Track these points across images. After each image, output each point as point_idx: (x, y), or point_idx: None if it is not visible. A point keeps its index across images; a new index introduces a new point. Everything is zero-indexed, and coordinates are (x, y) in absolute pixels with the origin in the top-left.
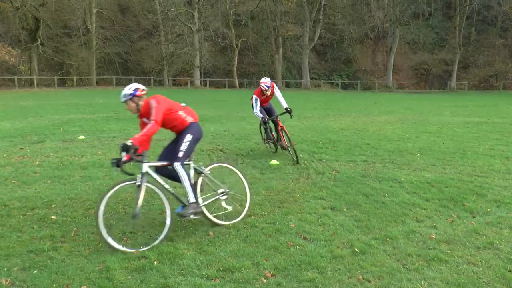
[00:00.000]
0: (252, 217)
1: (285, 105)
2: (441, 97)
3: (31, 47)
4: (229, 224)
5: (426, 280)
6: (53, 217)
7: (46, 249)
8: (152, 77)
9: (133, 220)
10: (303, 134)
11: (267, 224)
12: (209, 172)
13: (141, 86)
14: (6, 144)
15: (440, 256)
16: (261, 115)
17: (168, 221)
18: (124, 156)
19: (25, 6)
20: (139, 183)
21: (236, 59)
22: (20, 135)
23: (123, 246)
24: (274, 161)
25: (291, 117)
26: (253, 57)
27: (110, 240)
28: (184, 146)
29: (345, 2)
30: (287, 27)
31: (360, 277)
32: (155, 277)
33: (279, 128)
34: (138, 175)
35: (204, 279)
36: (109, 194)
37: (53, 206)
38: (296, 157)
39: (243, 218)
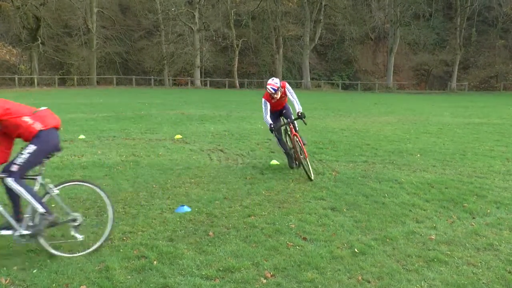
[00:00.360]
0: (252, 217)
1: (298, 108)
2: (442, 97)
3: (32, 46)
4: (73, 256)
5: (425, 281)
6: None
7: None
8: (152, 76)
9: None
10: (303, 134)
11: (267, 224)
12: (57, 192)
13: None
14: None
15: (440, 257)
16: (269, 122)
17: None
18: None
19: (26, 5)
20: None
21: (237, 59)
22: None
23: None
24: (274, 161)
25: (305, 124)
26: (253, 57)
27: None
28: (21, 159)
29: (345, 2)
30: (288, 27)
31: (360, 277)
32: (154, 277)
33: (292, 136)
34: None
35: (204, 279)
36: None
37: (53, 205)
38: (307, 172)
39: (97, 249)
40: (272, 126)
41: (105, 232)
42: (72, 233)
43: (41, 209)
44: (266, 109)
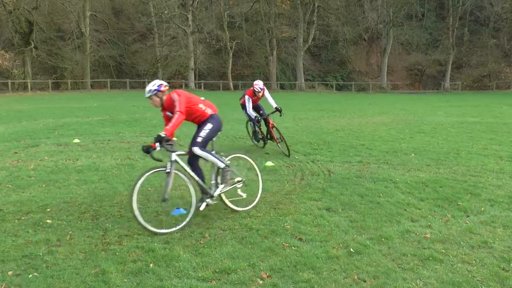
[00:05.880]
0: (248, 218)
1: (274, 105)
2: (435, 97)
3: (25, 51)
4: (243, 210)
5: (421, 279)
6: (48, 221)
7: (41, 253)
8: (146, 79)
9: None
10: (298, 135)
11: (262, 226)
12: (228, 162)
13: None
14: (0, 148)
15: (435, 256)
16: (254, 114)
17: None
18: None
19: (18, 10)
20: (168, 170)
21: (231, 61)
22: (15, 139)
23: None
24: (269, 163)
25: (280, 115)
26: (247, 59)
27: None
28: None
29: (338, 3)
30: (281, 28)
31: (356, 277)
32: (151, 279)
33: (270, 126)
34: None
35: (200, 281)
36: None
37: (48, 210)
38: (288, 151)
39: (255, 205)
40: (258, 117)
41: (259, 193)
42: (239, 192)
43: (222, 165)
44: (249, 104)
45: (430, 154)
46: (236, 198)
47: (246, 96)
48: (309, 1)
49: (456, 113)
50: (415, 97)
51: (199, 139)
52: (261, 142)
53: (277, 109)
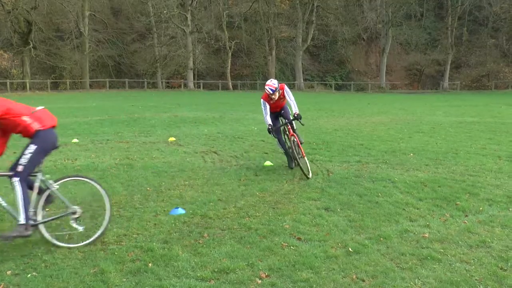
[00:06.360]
0: (247, 218)
1: (295, 110)
2: (434, 97)
3: (23, 51)
4: (74, 247)
5: (419, 279)
6: None
7: (40, 253)
8: (145, 79)
9: None
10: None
11: (261, 225)
12: (57, 187)
13: None
14: None
15: (433, 255)
16: (269, 122)
17: None
18: None
19: (17, 9)
20: None
21: (230, 61)
22: (13, 138)
23: None
24: (268, 162)
25: (302, 124)
26: (246, 59)
27: None
28: (24, 159)
29: (337, 3)
30: (280, 28)
31: (354, 276)
32: (149, 279)
33: (290, 136)
34: None
35: (199, 280)
36: None
37: (47, 209)
38: (303, 171)
39: (97, 239)
40: (270, 127)
41: (104, 223)
42: (73, 224)
43: (22, 221)
44: (265, 109)
45: (429, 154)
46: (67, 232)
47: (262, 100)
48: (308, 1)
49: (455, 113)
50: (414, 97)
51: (19, 168)
52: (296, 161)
53: (295, 117)
